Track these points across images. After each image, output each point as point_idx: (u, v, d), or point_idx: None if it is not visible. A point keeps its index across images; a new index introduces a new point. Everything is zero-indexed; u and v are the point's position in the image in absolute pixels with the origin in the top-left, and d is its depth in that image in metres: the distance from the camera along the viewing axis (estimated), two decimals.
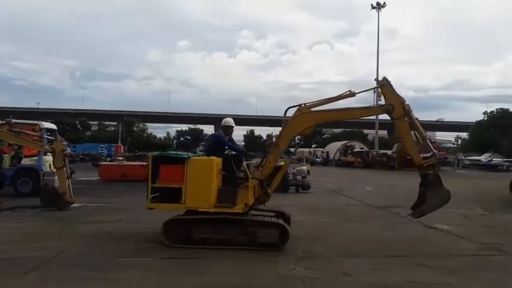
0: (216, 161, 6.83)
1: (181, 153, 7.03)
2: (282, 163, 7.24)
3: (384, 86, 6.81)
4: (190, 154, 7.29)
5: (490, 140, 52.69)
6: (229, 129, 7.94)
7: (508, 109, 63.90)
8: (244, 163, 7.18)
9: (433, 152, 7.08)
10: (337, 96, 7.08)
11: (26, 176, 13.73)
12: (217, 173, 6.80)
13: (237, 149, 7.85)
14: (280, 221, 6.86)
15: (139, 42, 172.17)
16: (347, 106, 7.18)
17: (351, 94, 6.94)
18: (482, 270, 5.82)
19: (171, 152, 6.94)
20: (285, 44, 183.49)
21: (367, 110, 7.51)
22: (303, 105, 6.90)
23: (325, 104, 7.10)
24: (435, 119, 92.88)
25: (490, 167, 37.84)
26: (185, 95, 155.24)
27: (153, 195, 6.75)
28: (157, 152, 7.07)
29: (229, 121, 7.97)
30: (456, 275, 5.54)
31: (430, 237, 8.12)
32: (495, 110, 64.08)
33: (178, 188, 6.62)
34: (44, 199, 10.98)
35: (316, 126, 7.38)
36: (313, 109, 6.99)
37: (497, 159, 39.90)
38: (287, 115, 6.99)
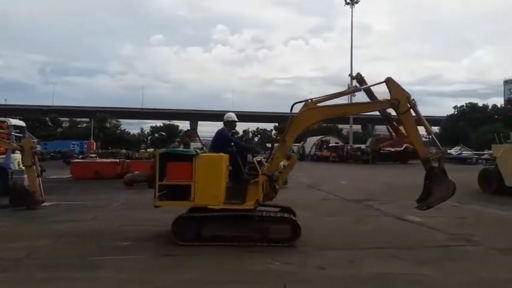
0: (225, 157, 6.84)
1: (189, 150, 6.93)
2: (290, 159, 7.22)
3: (389, 80, 6.87)
4: (198, 151, 7.21)
5: (460, 134, 54.28)
6: (232, 124, 8.07)
7: (476, 103, 66.03)
8: (254, 159, 7.22)
9: (439, 146, 7.36)
10: (343, 91, 7.31)
11: None
12: (226, 169, 6.82)
13: (242, 145, 7.89)
14: (292, 216, 6.95)
15: (111, 36, 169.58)
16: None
17: (357, 89, 7.22)
18: (453, 261, 5.97)
19: (179, 149, 6.82)
20: (261, 39, 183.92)
21: (374, 104, 7.46)
22: (309, 100, 6.91)
23: (329, 99, 7.14)
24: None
25: (460, 160, 38.91)
26: (159, 91, 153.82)
27: (160, 193, 6.63)
28: (164, 149, 6.92)
29: (232, 116, 8.11)
30: (428, 265, 5.66)
31: (403, 229, 8.29)
32: (465, 105, 66.03)
33: (186, 185, 6.50)
34: (13, 198, 10.66)
35: (322, 121, 7.48)
36: (319, 104, 6.96)
37: (466, 153, 41.18)
38: (293, 111, 6.91)
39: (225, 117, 8.17)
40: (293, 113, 6.89)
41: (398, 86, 6.89)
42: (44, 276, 5.16)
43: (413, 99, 6.83)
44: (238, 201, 6.65)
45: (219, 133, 7.93)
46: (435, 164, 7.08)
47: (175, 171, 6.63)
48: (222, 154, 6.91)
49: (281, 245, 6.47)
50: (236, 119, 8.20)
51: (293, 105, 6.98)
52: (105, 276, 5.18)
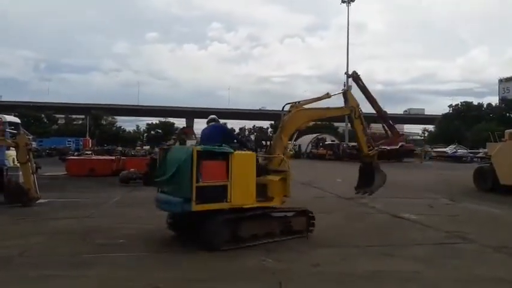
0: (254, 154, 6.81)
1: (224, 147, 6.53)
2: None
3: (347, 92, 8.52)
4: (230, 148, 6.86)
5: (455, 132, 54.49)
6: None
7: (471, 102, 66.26)
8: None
9: (372, 145, 8.80)
10: (318, 97, 8.17)
11: None
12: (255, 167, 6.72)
13: (244, 142, 7.88)
14: (307, 209, 7.25)
15: (105, 33, 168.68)
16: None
17: (328, 96, 8.25)
18: (447, 258, 6.01)
19: (214, 146, 6.33)
20: (256, 36, 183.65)
21: (340, 109, 8.64)
22: (297, 102, 7.75)
23: (312, 102, 8.15)
24: (402, 112, 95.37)
25: (455, 159, 39.13)
26: (155, 88, 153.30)
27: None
28: (200, 146, 6.38)
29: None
30: (422, 263, 5.70)
31: (397, 226, 8.33)
32: (460, 103, 66.23)
33: (222, 185, 6.15)
34: (8, 195, 10.61)
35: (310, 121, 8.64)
36: (305, 106, 7.86)
37: (461, 151, 41.33)
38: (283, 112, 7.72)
39: (213, 117, 7.93)
40: (284, 111, 7.67)
41: (353, 96, 8.52)
42: (36, 274, 5.13)
43: (360, 109, 8.49)
44: (265, 198, 6.72)
45: (221, 128, 7.70)
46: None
47: (211, 171, 6.12)
48: (251, 152, 6.90)
49: (299, 236, 6.91)
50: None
51: (284, 105, 7.76)
52: (98, 274, 5.16)
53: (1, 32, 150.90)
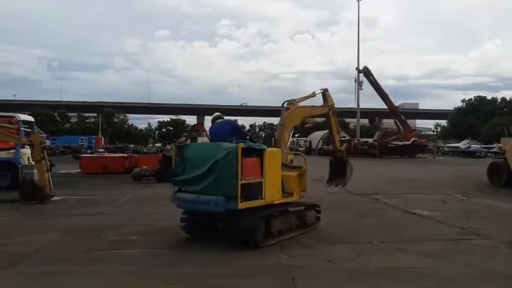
0: (279, 151, 6.93)
1: (259, 144, 6.45)
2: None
3: (326, 92, 9.18)
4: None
5: (468, 127, 53.83)
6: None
7: (485, 97, 65.33)
8: None
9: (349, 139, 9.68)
10: (306, 96, 8.87)
11: (4, 169, 13.43)
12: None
13: (255, 140, 7.89)
14: (315, 203, 7.51)
15: (116, 31, 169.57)
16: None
17: (313, 95, 9.11)
18: (461, 254, 5.95)
19: (252, 143, 6.24)
20: (266, 33, 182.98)
21: (321, 108, 9.29)
22: (292, 100, 8.25)
23: (304, 100, 8.73)
24: (415, 107, 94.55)
25: (468, 154, 38.66)
26: (166, 86, 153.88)
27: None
28: (243, 143, 6.20)
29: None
30: (436, 259, 5.65)
31: (410, 222, 8.26)
32: (473, 98, 65.36)
33: (259, 182, 6.07)
34: (23, 193, 10.77)
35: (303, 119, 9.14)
36: (300, 104, 8.46)
37: (475, 146, 40.83)
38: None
39: (214, 115, 7.78)
40: (283, 107, 8.17)
41: (331, 96, 9.25)
42: (52, 270, 5.21)
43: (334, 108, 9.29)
44: (287, 194, 6.83)
45: (232, 124, 7.64)
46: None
47: (250, 168, 6.01)
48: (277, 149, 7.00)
49: (312, 228, 7.20)
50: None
51: (284, 102, 8.25)
52: (112, 270, 5.23)
53: (15, 32, 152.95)
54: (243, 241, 6.07)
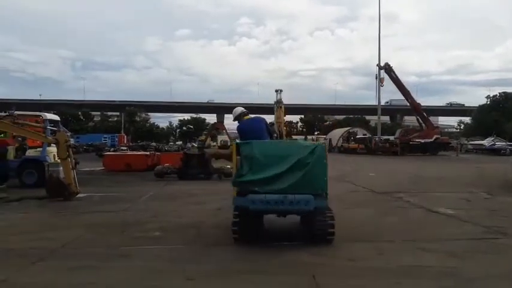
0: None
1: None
2: None
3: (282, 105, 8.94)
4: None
5: (492, 124, 52.53)
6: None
7: (511, 93, 63.45)
8: None
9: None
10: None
11: (31, 167, 13.82)
12: None
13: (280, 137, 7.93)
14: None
15: (137, 31, 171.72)
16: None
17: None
18: (485, 253, 5.85)
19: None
20: (285, 30, 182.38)
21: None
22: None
23: None
24: (442, 103, 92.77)
25: (493, 151, 37.82)
26: (186, 84, 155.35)
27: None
28: (322, 142, 6.48)
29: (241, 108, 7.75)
30: (460, 258, 5.57)
31: (433, 221, 8.15)
32: (498, 94, 63.61)
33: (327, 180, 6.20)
34: (49, 190, 11.06)
35: None
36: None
37: (500, 143, 39.84)
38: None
39: (240, 111, 7.60)
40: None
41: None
42: (78, 265, 5.35)
43: None
44: None
45: (265, 121, 7.53)
46: None
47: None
48: None
49: None
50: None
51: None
52: (136, 265, 5.33)
53: (39, 33, 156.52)
54: (324, 239, 6.07)
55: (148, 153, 22.72)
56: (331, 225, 6.03)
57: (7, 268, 5.19)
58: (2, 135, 14.68)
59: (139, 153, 24.48)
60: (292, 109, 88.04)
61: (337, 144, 48.71)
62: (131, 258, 5.63)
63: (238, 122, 7.48)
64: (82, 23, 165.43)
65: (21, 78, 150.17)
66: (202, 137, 21.32)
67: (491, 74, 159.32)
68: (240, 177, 5.87)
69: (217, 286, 4.62)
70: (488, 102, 63.41)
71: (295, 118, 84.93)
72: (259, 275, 4.99)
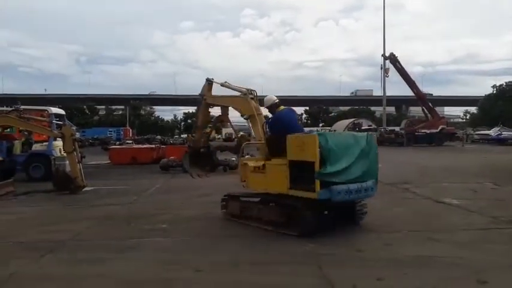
0: None
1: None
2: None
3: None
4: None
5: (499, 114, 52.14)
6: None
7: None
8: None
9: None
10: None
11: (38, 161, 13.93)
12: None
13: None
14: None
15: (141, 25, 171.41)
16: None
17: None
18: (493, 243, 5.83)
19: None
20: (289, 21, 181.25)
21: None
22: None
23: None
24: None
25: (499, 141, 37.50)
26: (191, 77, 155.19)
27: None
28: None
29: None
30: (468, 248, 5.56)
31: (440, 211, 8.13)
32: (504, 83, 63.02)
33: None
34: (56, 183, 11.14)
35: None
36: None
37: (506, 133, 39.49)
38: None
39: (274, 100, 7.36)
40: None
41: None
42: (86, 257, 5.42)
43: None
44: None
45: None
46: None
47: None
48: None
49: None
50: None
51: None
52: (144, 257, 5.37)
53: (44, 28, 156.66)
54: (361, 219, 6.81)
55: (153, 146, 22.78)
56: (365, 205, 6.78)
57: (17, 261, 5.25)
58: (9, 129, 14.77)
59: (144, 146, 24.56)
60: (296, 101, 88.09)
61: None
62: (139, 251, 5.67)
63: (270, 111, 7.39)
64: (87, 18, 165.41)
65: (29, 73, 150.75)
66: (207, 130, 21.21)
67: (498, 63, 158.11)
68: (324, 169, 5.78)
69: (226, 277, 4.65)
70: (494, 92, 62.89)
71: (299, 110, 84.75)
72: (267, 265, 5.01)
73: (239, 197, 7.34)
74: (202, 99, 8.80)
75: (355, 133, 6.44)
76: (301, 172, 5.96)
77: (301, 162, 5.93)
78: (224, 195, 7.60)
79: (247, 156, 8.28)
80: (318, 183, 5.69)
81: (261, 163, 6.81)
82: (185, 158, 9.31)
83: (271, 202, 6.60)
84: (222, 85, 8.37)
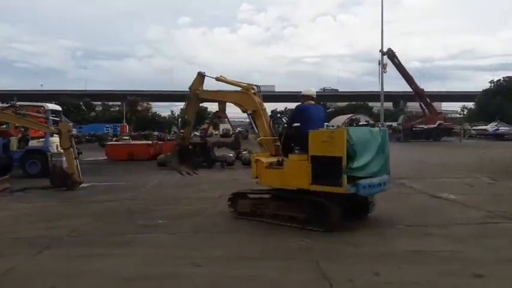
0: None
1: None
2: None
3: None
4: None
5: (496, 109, 52.24)
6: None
7: None
8: None
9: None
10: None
11: (34, 157, 13.89)
12: None
13: None
14: None
15: (137, 20, 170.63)
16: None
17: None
18: (489, 238, 5.86)
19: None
20: (287, 17, 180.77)
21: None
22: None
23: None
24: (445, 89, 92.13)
25: (496, 136, 37.63)
26: (188, 73, 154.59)
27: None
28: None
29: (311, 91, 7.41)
30: (464, 243, 5.59)
31: (436, 206, 8.16)
32: (502, 79, 63.08)
33: None
34: (53, 180, 11.11)
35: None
36: None
37: (504, 128, 39.60)
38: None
39: (312, 92, 7.29)
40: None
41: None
42: (84, 252, 5.42)
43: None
44: None
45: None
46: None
47: None
48: None
49: None
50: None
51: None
52: (141, 252, 5.38)
53: (41, 23, 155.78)
54: (371, 210, 6.94)
55: (150, 142, 22.73)
56: (373, 197, 6.83)
57: (15, 256, 5.26)
58: (5, 126, 14.72)
59: (142, 142, 24.49)
60: (294, 96, 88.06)
61: None
62: (137, 246, 5.68)
63: (301, 101, 7.27)
64: (83, 13, 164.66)
65: (25, 68, 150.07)
66: (204, 126, 21.29)
67: (495, 58, 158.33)
68: (352, 164, 5.81)
69: (224, 271, 4.65)
70: (491, 87, 62.94)
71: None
72: (265, 260, 5.03)
73: (248, 194, 7.26)
74: (192, 94, 8.44)
75: (371, 128, 6.51)
76: (323, 167, 5.93)
77: (324, 157, 5.91)
78: (231, 194, 7.40)
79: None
80: (345, 178, 5.71)
81: (276, 159, 6.81)
82: (173, 155, 8.94)
83: (288, 198, 6.51)
84: (217, 79, 8.14)
